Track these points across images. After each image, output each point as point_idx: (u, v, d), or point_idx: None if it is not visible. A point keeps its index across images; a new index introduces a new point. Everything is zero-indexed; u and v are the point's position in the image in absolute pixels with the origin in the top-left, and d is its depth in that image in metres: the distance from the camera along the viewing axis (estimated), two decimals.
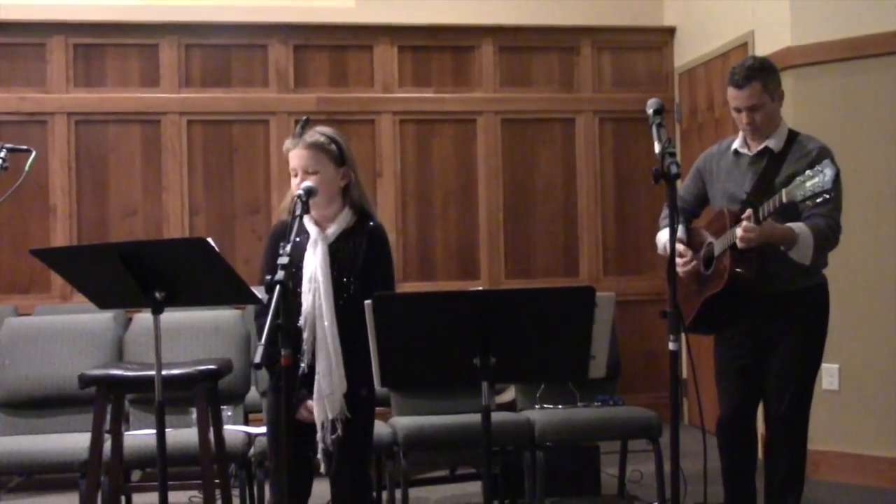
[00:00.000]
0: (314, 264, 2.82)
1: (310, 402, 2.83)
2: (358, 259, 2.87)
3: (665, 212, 3.40)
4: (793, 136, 3.33)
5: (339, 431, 2.80)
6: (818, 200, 2.90)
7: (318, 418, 2.80)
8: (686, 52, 6.10)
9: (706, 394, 4.22)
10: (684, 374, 5.64)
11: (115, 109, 5.68)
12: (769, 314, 3.28)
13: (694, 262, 3.35)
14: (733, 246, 3.14)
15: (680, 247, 3.33)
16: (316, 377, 2.80)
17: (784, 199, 2.98)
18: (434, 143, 6.03)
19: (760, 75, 3.23)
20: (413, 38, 5.99)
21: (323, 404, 2.80)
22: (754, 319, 3.30)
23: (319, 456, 2.81)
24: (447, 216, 6.04)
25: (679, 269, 3.30)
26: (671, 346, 2.72)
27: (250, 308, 4.30)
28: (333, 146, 2.89)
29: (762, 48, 4.99)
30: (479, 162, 6.05)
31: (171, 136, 5.73)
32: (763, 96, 3.24)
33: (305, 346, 2.80)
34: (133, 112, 5.70)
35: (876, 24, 4.57)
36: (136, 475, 4.42)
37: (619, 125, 6.20)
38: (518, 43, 6.11)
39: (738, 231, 3.06)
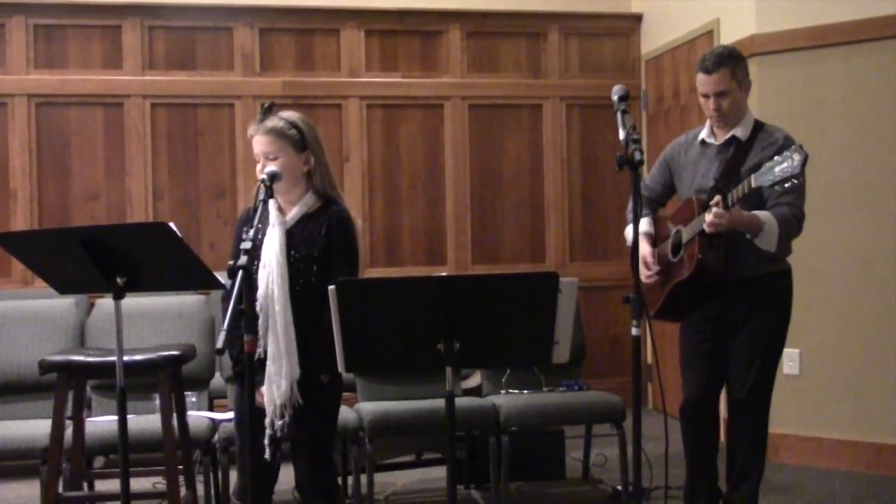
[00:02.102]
0: (270, 249, 2.81)
1: (263, 389, 2.82)
2: (316, 244, 2.85)
3: (631, 204, 3.42)
4: (759, 125, 3.37)
5: (287, 418, 2.78)
6: (787, 185, 2.93)
7: (266, 404, 2.79)
8: (653, 39, 6.12)
9: (669, 378, 4.26)
10: (649, 359, 5.69)
11: (77, 92, 5.60)
12: (734, 299, 3.32)
13: (656, 278, 3.38)
14: (701, 233, 3.17)
15: (649, 259, 3.37)
16: (267, 363, 2.79)
17: (753, 185, 3.01)
18: (401, 128, 6.01)
19: (730, 62, 3.28)
20: (380, 22, 5.96)
21: (271, 390, 2.78)
22: (720, 304, 3.34)
23: (266, 441, 2.78)
24: (414, 201, 6.03)
25: (644, 278, 3.33)
26: (634, 331, 2.75)
27: (215, 293, 4.27)
28: (294, 131, 2.87)
29: (727, 36, 5.03)
30: (446, 147, 6.04)
31: (135, 119, 5.65)
32: (731, 83, 3.28)
33: (261, 332, 2.78)
34: (95, 95, 5.62)
35: (839, 13, 4.62)
36: (99, 462, 4.39)
37: (586, 111, 6.22)
38: (486, 28, 6.10)
39: (708, 216, 3.09)
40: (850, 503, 4.13)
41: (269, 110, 2.90)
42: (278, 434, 2.79)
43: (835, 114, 4.67)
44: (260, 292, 2.79)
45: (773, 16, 4.81)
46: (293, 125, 2.88)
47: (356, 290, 2.45)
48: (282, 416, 2.78)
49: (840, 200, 4.64)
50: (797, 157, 2.89)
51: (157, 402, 3.56)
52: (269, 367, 2.78)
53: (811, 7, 4.70)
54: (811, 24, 4.69)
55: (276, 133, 2.85)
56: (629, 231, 3.52)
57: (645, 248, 3.41)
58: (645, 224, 3.47)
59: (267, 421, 2.78)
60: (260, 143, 2.86)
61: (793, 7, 4.76)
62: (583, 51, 6.25)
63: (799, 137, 3.31)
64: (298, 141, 2.87)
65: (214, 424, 3.81)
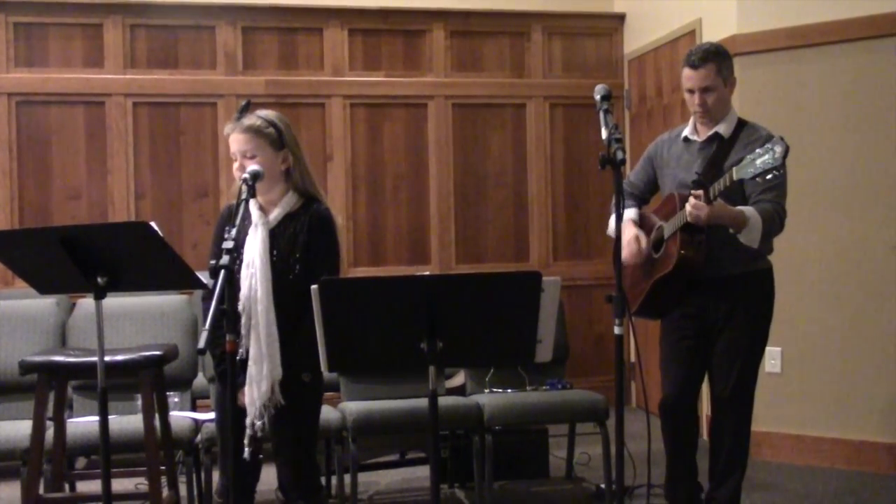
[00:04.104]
0: (253, 248, 2.80)
1: (245, 389, 2.81)
2: (299, 243, 2.84)
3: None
4: (742, 123, 3.39)
5: (265, 419, 2.77)
6: (768, 177, 2.94)
7: (248, 405, 2.77)
8: (635, 39, 6.15)
9: (651, 377, 4.28)
10: (633, 358, 5.71)
11: (58, 90, 5.55)
12: (715, 297, 3.33)
13: (644, 246, 3.39)
14: (683, 227, 3.18)
15: (643, 239, 3.37)
16: (248, 363, 2.78)
17: (735, 177, 3.02)
18: (385, 127, 6.00)
19: (716, 59, 3.31)
20: (363, 21, 5.95)
21: (252, 390, 2.77)
22: (700, 302, 3.35)
23: (245, 441, 2.76)
24: (398, 201, 6.02)
25: (630, 256, 3.34)
26: (616, 329, 2.75)
27: (197, 293, 4.24)
28: (271, 129, 2.85)
29: (709, 36, 5.05)
30: (429, 147, 6.04)
31: (116, 117, 5.62)
32: (716, 79, 3.30)
33: (243, 332, 2.77)
34: (76, 93, 5.58)
35: (819, 13, 4.65)
36: (80, 463, 4.37)
37: (569, 111, 6.23)
38: (469, 27, 6.10)
39: (688, 207, 3.10)
40: (832, 500, 4.15)
41: (246, 108, 2.89)
42: (258, 434, 2.78)
43: (815, 114, 4.70)
44: (243, 292, 2.78)
45: (755, 16, 4.84)
46: (270, 123, 2.87)
47: (339, 289, 2.45)
48: (262, 417, 2.77)
49: (821, 200, 4.67)
50: (778, 149, 2.91)
51: (140, 402, 3.55)
52: (251, 367, 2.77)
53: (792, 7, 4.73)
54: (792, 24, 4.72)
55: (254, 131, 2.83)
56: (611, 222, 3.52)
57: (635, 230, 3.41)
58: (632, 213, 3.48)
59: (247, 421, 2.77)
60: (237, 142, 2.85)
61: (774, 7, 4.79)
62: (566, 50, 6.26)
63: None
64: (276, 139, 2.86)
65: (197, 425, 3.79)
